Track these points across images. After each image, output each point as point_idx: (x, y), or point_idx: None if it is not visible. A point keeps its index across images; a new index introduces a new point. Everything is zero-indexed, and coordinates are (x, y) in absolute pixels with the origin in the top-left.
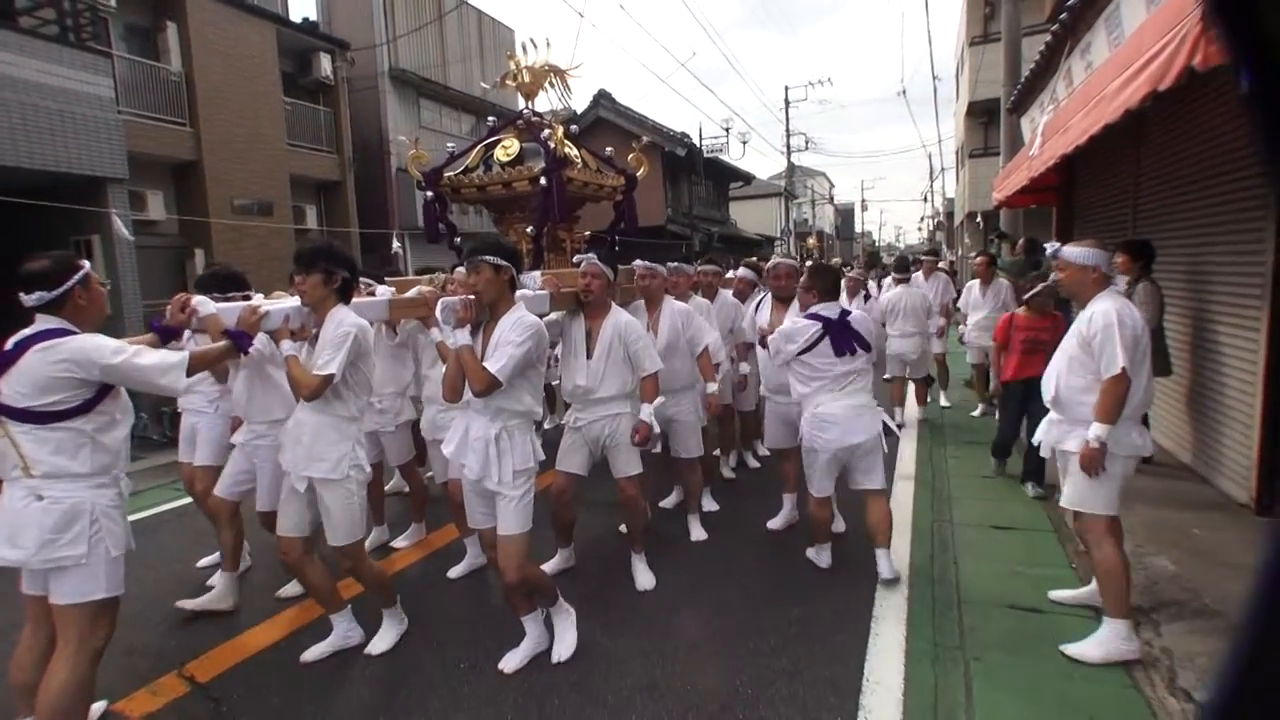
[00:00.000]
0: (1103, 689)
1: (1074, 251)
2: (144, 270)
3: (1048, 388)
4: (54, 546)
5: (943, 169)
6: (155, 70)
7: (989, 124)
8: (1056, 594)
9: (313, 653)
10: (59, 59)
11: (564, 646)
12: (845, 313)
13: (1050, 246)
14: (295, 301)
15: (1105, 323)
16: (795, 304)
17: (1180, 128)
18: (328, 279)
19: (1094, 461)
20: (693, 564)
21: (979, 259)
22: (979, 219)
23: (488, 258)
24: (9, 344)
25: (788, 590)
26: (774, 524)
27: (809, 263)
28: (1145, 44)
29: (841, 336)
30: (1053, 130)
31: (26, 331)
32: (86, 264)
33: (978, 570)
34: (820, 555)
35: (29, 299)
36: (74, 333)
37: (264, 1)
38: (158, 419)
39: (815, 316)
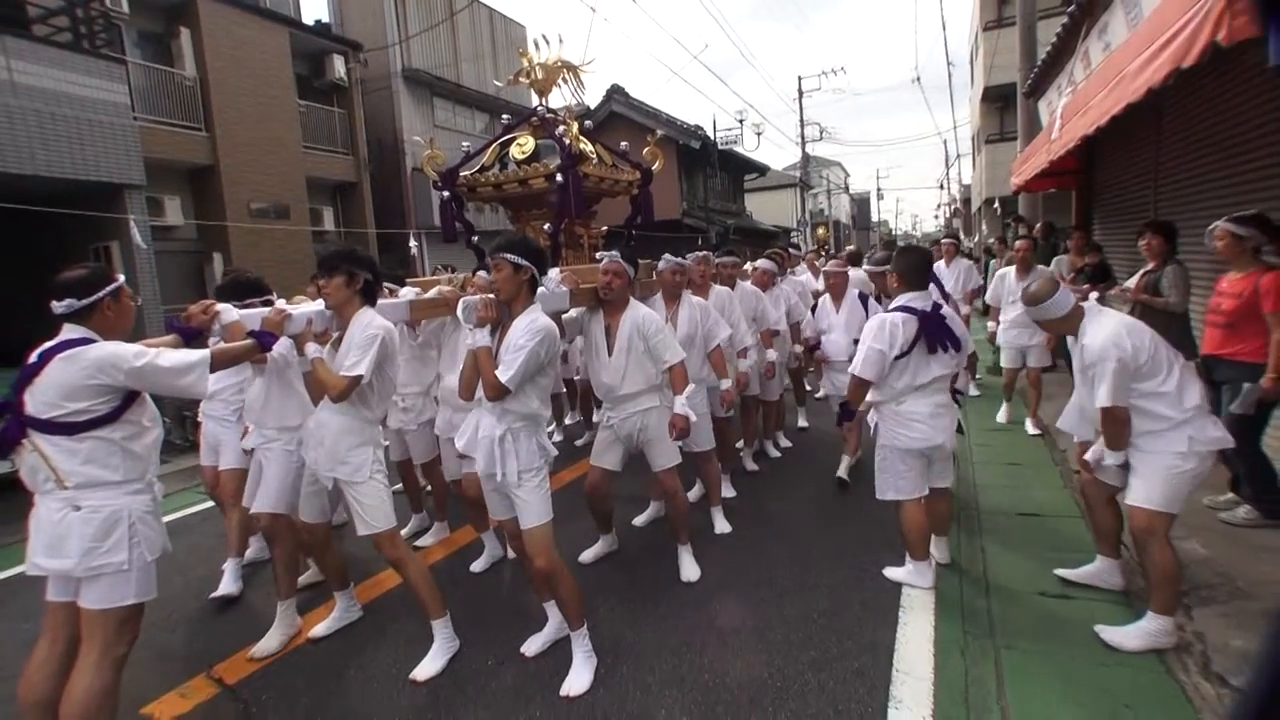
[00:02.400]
0: (1136, 675)
1: (1037, 296)
2: (162, 275)
3: (1073, 417)
4: (96, 554)
5: (959, 155)
6: (170, 76)
7: (1005, 109)
8: (1062, 572)
9: (319, 629)
10: (74, 66)
11: (577, 682)
12: (938, 305)
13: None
14: (318, 305)
15: (1098, 355)
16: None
17: (1202, 106)
18: (350, 281)
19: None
20: (717, 557)
21: (1022, 242)
22: (996, 205)
23: (508, 255)
24: (33, 356)
25: (814, 581)
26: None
27: (837, 249)
28: (1167, 21)
29: (937, 332)
30: (1072, 113)
31: (51, 342)
32: (121, 278)
33: (1006, 558)
34: (920, 574)
35: (59, 306)
36: (96, 342)
37: (276, 5)
38: (180, 423)
39: (907, 310)
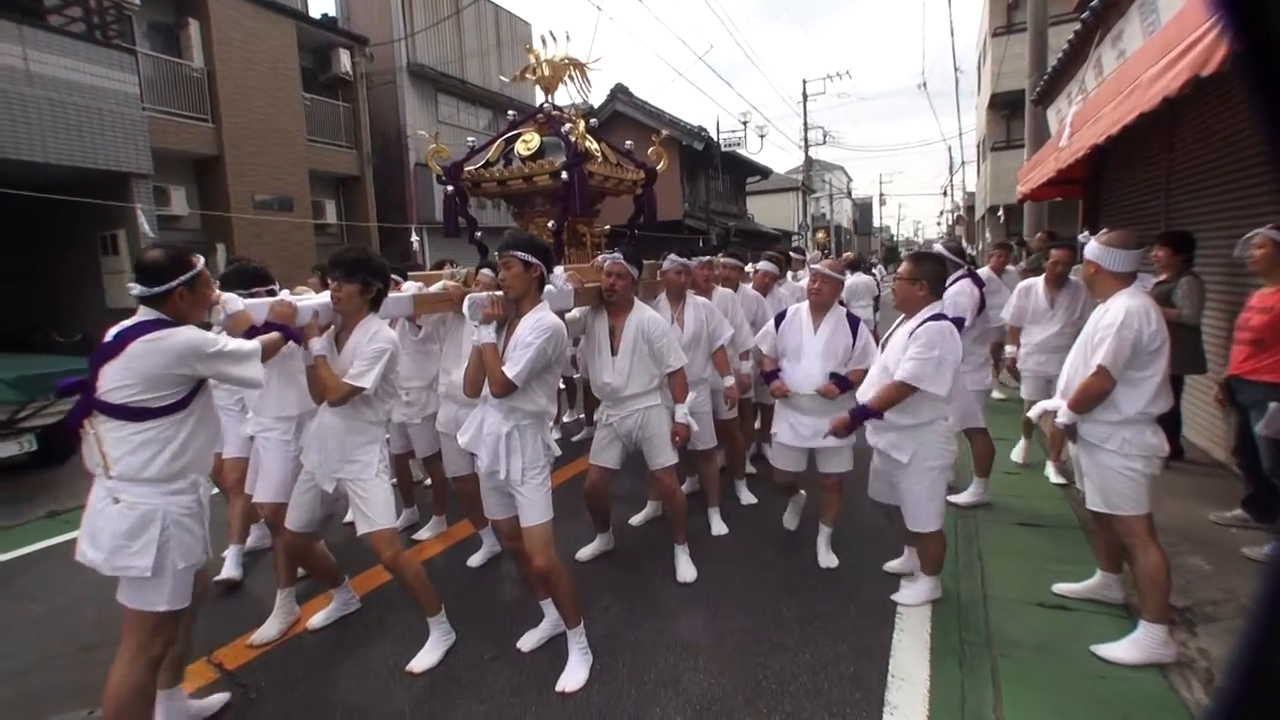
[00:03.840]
0: (1136, 689)
1: (1095, 249)
2: None
3: (1062, 383)
4: (123, 554)
5: (963, 163)
6: (178, 67)
7: (1012, 116)
8: (1060, 587)
9: (316, 619)
10: (86, 56)
11: (573, 678)
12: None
13: (1083, 237)
14: (324, 298)
15: (1110, 320)
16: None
17: (1216, 115)
18: (364, 289)
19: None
20: (714, 557)
21: (1059, 252)
22: (1000, 213)
23: (518, 253)
24: (109, 335)
25: (811, 585)
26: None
27: (841, 255)
28: (1188, 28)
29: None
30: (1082, 121)
31: (128, 323)
32: (200, 263)
33: (1004, 567)
34: (936, 588)
35: (135, 289)
36: (174, 326)
37: None
38: None
39: (942, 317)
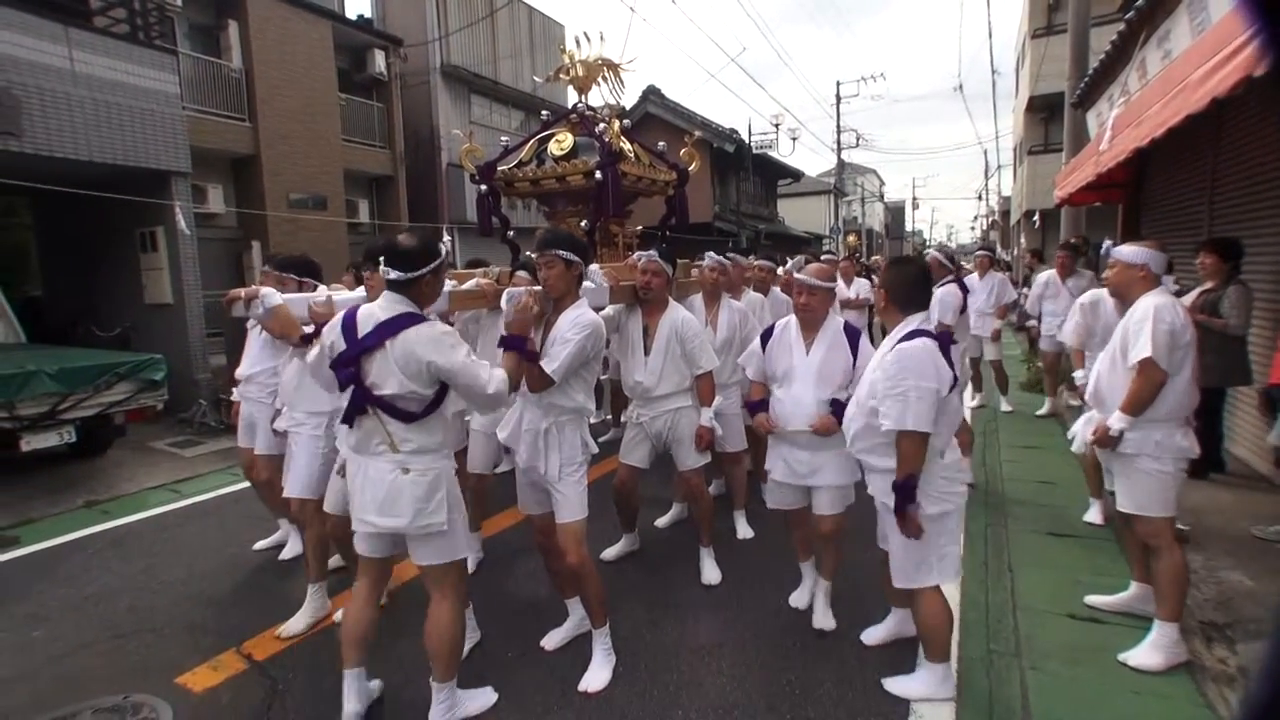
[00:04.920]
0: (1172, 707)
1: (1125, 250)
2: (203, 261)
3: (1089, 385)
4: (423, 515)
5: (999, 166)
6: (217, 67)
7: (1050, 119)
8: (1093, 599)
9: (343, 614)
10: (129, 57)
11: (596, 678)
12: (941, 329)
13: (1107, 243)
14: (360, 293)
15: (1141, 315)
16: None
17: (1265, 117)
18: None
19: (1105, 444)
20: (739, 560)
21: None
22: (1036, 218)
23: (561, 251)
24: (366, 326)
25: (836, 591)
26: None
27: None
28: (1239, 27)
29: (947, 357)
30: (1124, 124)
31: (384, 315)
32: (445, 250)
33: (1034, 577)
34: (944, 681)
35: (392, 274)
36: (426, 320)
37: None
38: (215, 405)
39: (927, 334)
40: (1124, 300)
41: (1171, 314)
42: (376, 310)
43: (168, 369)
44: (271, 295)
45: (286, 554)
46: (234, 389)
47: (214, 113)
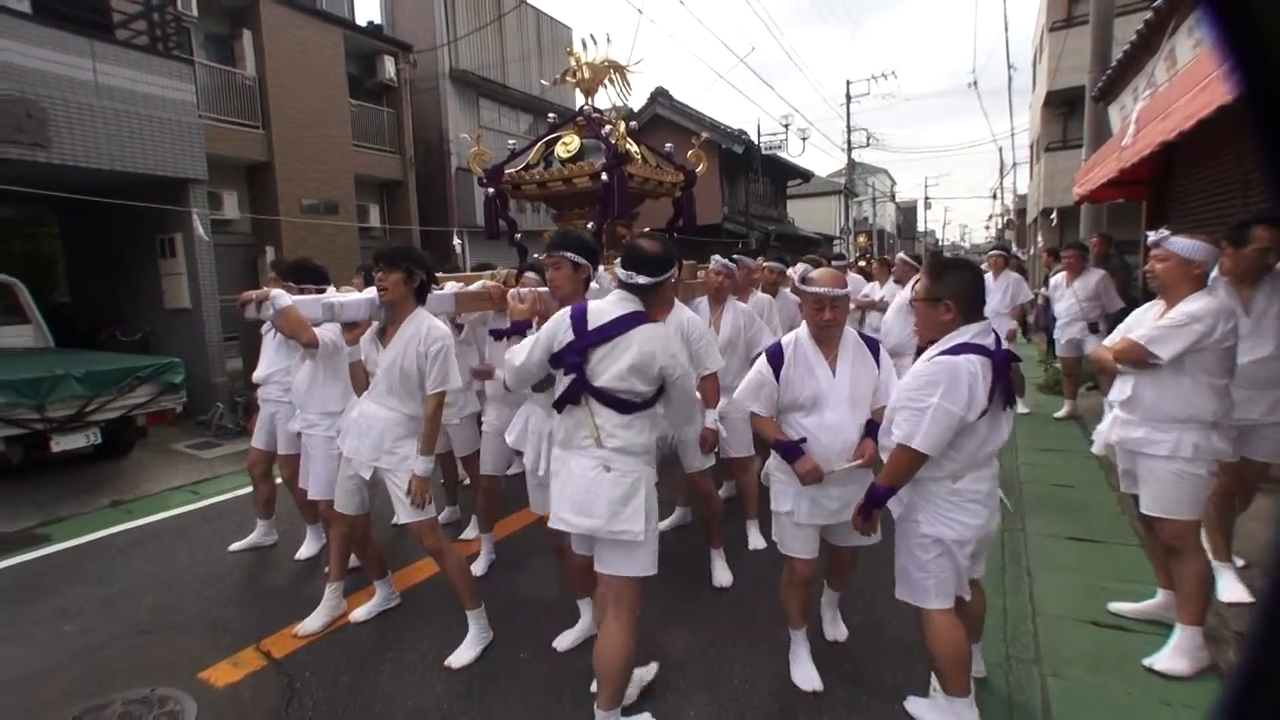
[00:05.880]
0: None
1: (1181, 243)
2: (219, 266)
3: (1122, 386)
4: (618, 519)
5: (1014, 164)
6: (232, 76)
7: (1069, 115)
8: (1118, 606)
9: (359, 613)
10: (149, 68)
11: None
12: (999, 340)
13: (1155, 234)
14: (370, 293)
15: (1183, 316)
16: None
17: None
18: (408, 278)
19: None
20: (751, 564)
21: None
22: (1054, 216)
23: (569, 254)
24: (599, 323)
25: (851, 596)
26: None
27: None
28: None
29: (1006, 380)
30: (1149, 117)
31: (616, 311)
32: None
33: (1054, 583)
34: (962, 716)
35: (637, 278)
36: (652, 321)
37: (332, 6)
38: (232, 408)
39: (977, 349)
40: (1166, 294)
41: (1219, 316)
42: (607, 306)
43: (186, 372)
44: (281, 297)
45: (303, 553)
46: (256, 393)
47: (229, 120)
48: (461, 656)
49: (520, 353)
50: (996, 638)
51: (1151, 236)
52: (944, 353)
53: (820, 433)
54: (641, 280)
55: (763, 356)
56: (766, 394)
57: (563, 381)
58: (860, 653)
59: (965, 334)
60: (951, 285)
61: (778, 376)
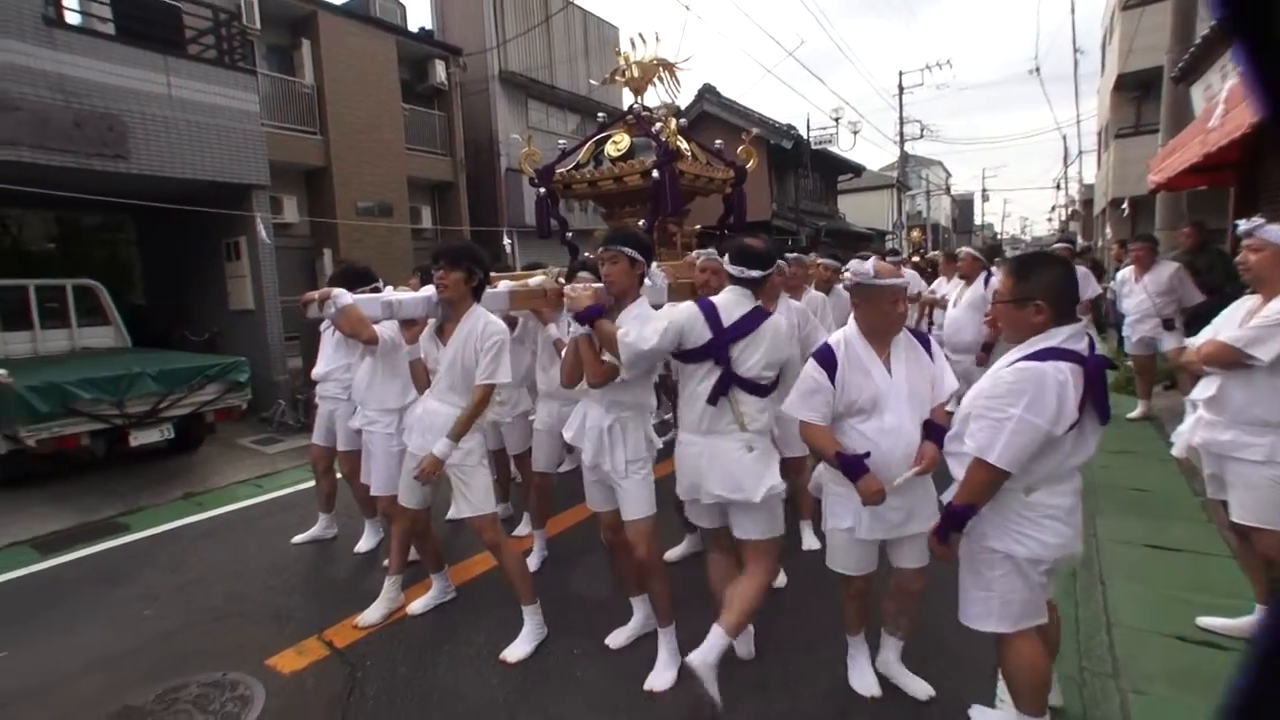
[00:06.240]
0: None
1: (1278, 230)
2: (280, 268)
3: (1207, 384)
4: (761, 489)
5: (1080, 153)
6: (291, 84)
7: (1143, 98)
8: (1208, 621)
9: (416, 606)
10: (216, 79)
11: (660, 679)
12: (1093, 345)
13: (1246, 222)
14: (428, 291)
15: None
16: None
17: None
18: (469, 277)
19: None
20: (807, 565)
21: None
22: (1125, 206)
23: (626, 249)
24: (731, 320)
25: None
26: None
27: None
28: None
29: (1103, 387)
30: (1240, 95)
31: (744, 306)
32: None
33: (1132, 593)
34: None
35: (750, 273)
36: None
37: (385, 14)
38: (293, 405)
39: (1069, 355)
40: (1262, 288)
41: None
42: (731, 303)
43: (251, 371)
44: (343, 296)
45: (361, 547)
46: (315, 391)
47: (289, 128)
48: (517, 651)
49: (647, 337)
50: (1069, 648)
51: (1243, 225)
52: (1029, 358)
53: (881, 438)
54: (755, 274)
55: (811, 361)
56: (821, 400)
57: (709, 375)
58: (921, 656)
59: (1055, 337)
60: (1041, 283)
61: (832, 380)
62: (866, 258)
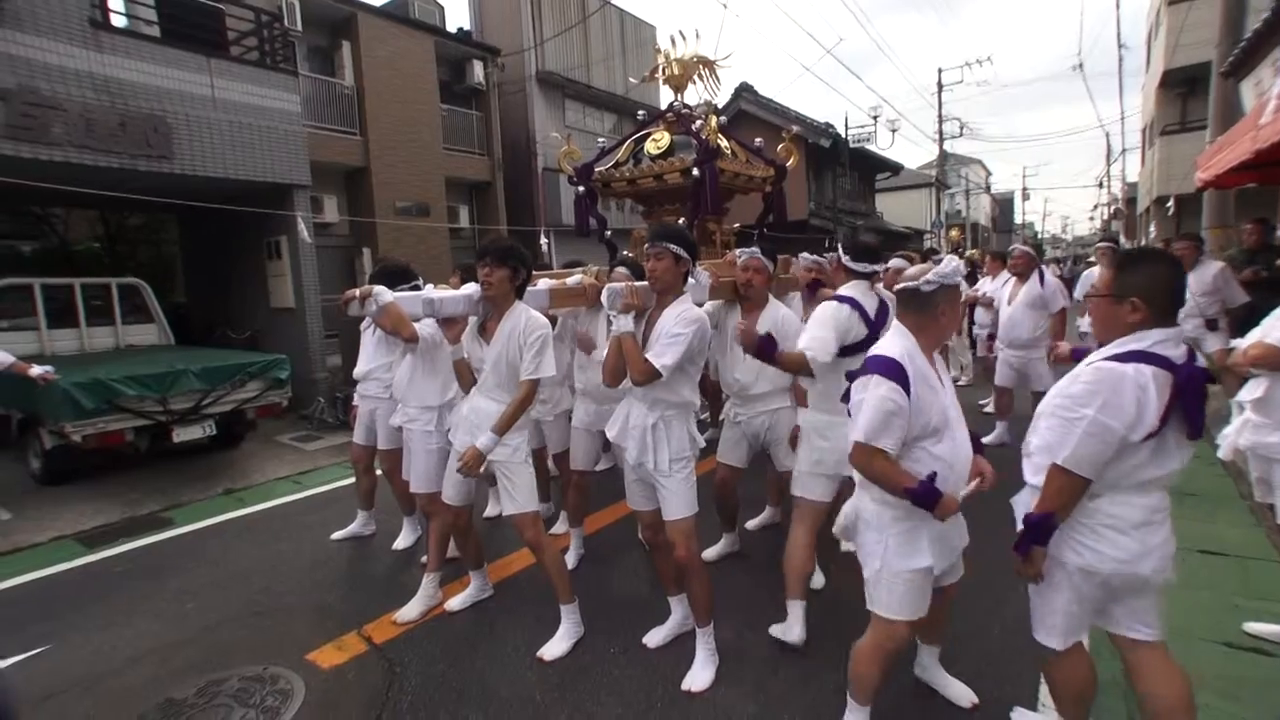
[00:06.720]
0: None
1: None
2: (320, 267)
3: (1254, 386)
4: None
5: (1123, 150)
6: (332, 85)
7: (1189, 94)
8: (1256, 627)
9: (454, 603)
10: (259, 81)
11: (700, 678)
12: (1192, 354)
13: None
14: (474, 288)
15: None
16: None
17: None
18: (514, 275)
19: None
20: (845, 566)
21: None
22: (1170, 204)
23: (672, 245)
24: (874, 316)
25: (958, 601)
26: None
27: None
28: None
29: (1196, 400)
30: None
31: (874, 301)
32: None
33: (1178, 599)
34: None
35: (872, 267)
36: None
37: (424, 15)
38: (332, 403)
39: (1158, 361)
40: None
41: None
42: (861, 297)
43: (291, 368)
44: (383, 293)
45: (400, 544)
46: (354, 389)
47: (329, 128)
48: (554, 649)
49: (827, 349)
50: (1110, 650)
51: None
52: (1111, 358)
53: (955, 458)
54: (877, 268)
55: (878, 378)
56: (900, 425)
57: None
58: (963, 657)
59: (1145, 340)
60: (1143, 280)
61: (910, 394)
62: (910, 259)
